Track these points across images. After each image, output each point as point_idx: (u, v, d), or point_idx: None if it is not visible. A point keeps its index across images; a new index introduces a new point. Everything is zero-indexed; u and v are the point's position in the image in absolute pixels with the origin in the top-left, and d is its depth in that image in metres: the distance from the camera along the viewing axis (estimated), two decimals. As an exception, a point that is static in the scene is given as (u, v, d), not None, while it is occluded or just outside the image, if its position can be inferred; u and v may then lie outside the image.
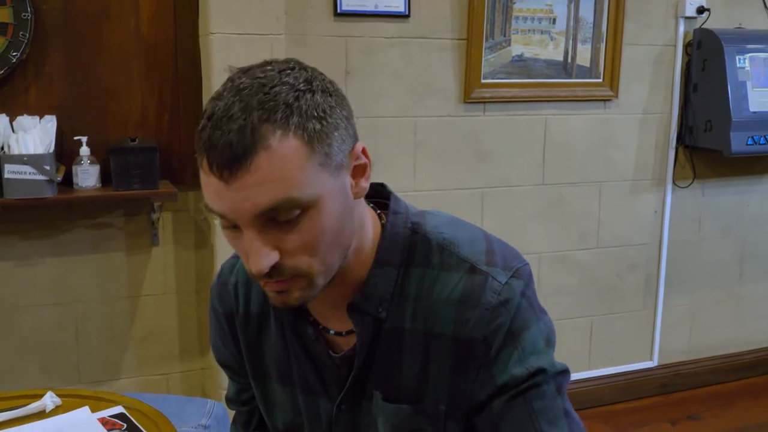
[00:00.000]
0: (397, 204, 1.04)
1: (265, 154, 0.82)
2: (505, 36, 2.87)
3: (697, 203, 3.31)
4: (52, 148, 2.32)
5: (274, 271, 0.88)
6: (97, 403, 1.37)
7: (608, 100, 3.05)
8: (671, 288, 3.33)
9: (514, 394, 0.96)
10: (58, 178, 2.30)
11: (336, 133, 0.88)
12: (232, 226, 0.88)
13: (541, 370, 0.96)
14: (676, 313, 3.38)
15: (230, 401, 1.28)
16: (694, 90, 3.12)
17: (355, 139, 0.93)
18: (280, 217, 0.85)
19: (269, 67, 0.88)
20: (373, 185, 1.02)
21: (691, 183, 3.26)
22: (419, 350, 0.99)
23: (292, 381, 1.08)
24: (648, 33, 3.06)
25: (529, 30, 2.91)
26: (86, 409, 1.35)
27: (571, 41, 2.96)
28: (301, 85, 0.87)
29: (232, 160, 0.82)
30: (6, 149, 2.28)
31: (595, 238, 3.16)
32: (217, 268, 2.52)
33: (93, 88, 2.46)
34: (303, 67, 0.90)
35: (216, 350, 1.20)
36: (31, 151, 2.26)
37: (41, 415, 1.34)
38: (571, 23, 2.94)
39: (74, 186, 2.40)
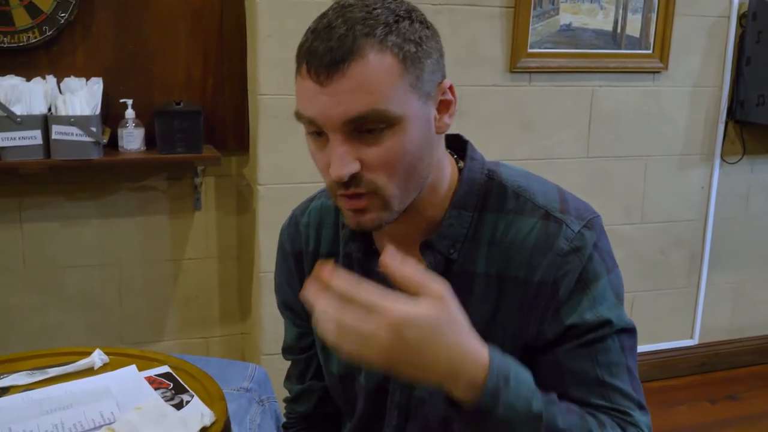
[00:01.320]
0: (474, 152, 1.08)
1: (362, 63, 0.88)
2: (553, 5, 2.81)
3: (746, 179, 3.24)
4: (98, 111, 2.33)
5: (353, 181, 0.91)
6: (143, 362, 1.37)
7: (657, 72, 2.98)
8: (716, 265, 3.26)
9: (580, 344, 0.98)
10: (104, 140, 2.31)
11: (428, 61, 0.93)
12: (318, 134, 0.93)
13: (608, 322, 0.98)
14: (719, 291, 3.32)
15: (287, 350, 1.28)
16: (747, 63, 3.03)
17: (444, 75, 0.98)
18: (366, 128, 0.90)
19: None
20: (449, 135, 1.07)
21: (740, 159, 3.18)
22: (489, 293, 1.01)
23: None
24: (701, 3, 2.97)
25: (578, -2, 2.84)
26: (133, 367, 1.35)
27: (621, 11, 2.89)
28: (402, 12, 0.93)
29: (330, 64, 0.88)
30: (53, 110, 2.30)
31: (639, 213, 3.10)
32: (260, 234, 2.54)
33: (139, 51, 2.46)
34: (405, 0, 0.96)
35: (281, 292, 1.23)
36: (78, 113, 2.27)
37: (90, 371, 1.35)
38: (623, -8, 2.87)
39: (119, 149, 2.41)
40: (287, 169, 2.46)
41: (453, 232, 1.02)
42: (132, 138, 2.41)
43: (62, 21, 2.33)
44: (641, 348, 3.21)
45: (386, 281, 1.00)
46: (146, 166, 2.52)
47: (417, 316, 0.80)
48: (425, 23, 0.95)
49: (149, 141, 2.44)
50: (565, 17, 2.84)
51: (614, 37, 2.91)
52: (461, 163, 1.06)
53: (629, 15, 2.90)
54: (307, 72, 0.90)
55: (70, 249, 2.54)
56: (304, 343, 1.24)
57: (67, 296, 2.57)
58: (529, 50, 2.82)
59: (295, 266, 1.18)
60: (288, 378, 1.32)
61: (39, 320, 2.55)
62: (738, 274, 3.33)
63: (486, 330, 0.99)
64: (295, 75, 0.94)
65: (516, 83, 2.83)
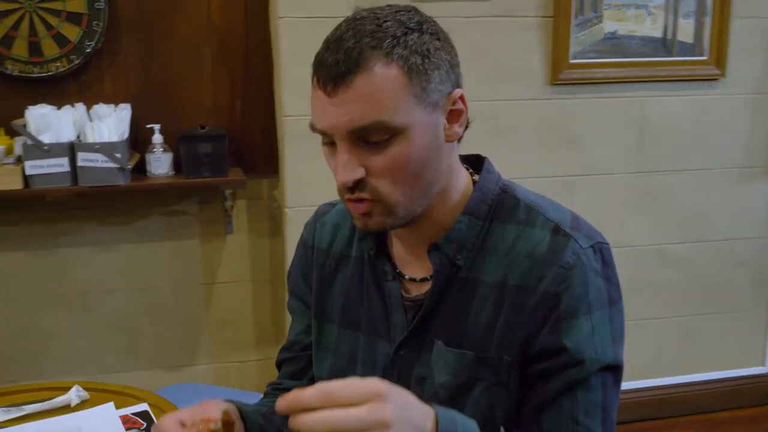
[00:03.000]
0: (491, 166, 1.09)
1: (367, 75, 0.92)
2: (596, 12, 2.67)
3: (817, 193, 2.99)
4: (126, 136, 2.35)
5: (357, 186, 0.95)
6: (123, 398, 1.35)
7: (714, 79, 2.78)
8: (786, 286, 3.02)
9: (566, 375, 0.97)
10: (129, 166, 2.32)
11: (436, 72, 0.95)
12: (330, 143, 0.97)
13: (595, 359, 0.98)
14: (791, 314, 3.07)
15: (288, 347, 1.26)
16: (814, 67, 2.80)
17: (457, 85, 1.00)
18: (370, 138, 0.93)
19: (388, 8, 0.98)
20: (470, 156, 1.10)
21: (811, 170, 2.94)
22: (491, 300, 1.01)
23: (359, 322, 1.12)
24: (759, 4, 2.76)
25: (623, 5, 2.69)
26: (111, 405, 1.33)
27: (671, 15, 2.72)
28: (412, 24, 0.96)
29: (337, 76, 0.92)
30: (82, 137, 2.33)
31: (697, 231, 2.90)
32: (289, 256, 2.50)
33: (166, 77, 2.47)
34: (419, 13, 0.99)
35: (295, 284, 1.25)
36: (106, 139, 2.29)
37: (66, 409, 1.33)
38: (671, -4, 2.70)
39: (147, 173, 2.42)
40: (314, 190, 2.40)
41: (461, 237, 1.03)
42: (159, 163, 2.41)
43: (89, 50, 2.36)
44: (704, 376, 3.02)
45: (393, 281, 1.09)
46: (176, 191, 2.52)
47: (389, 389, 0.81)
48: (437, 34, 0.98)
49: (177, 165, 2.44)
50: (609, 25, 2.69)
51: (664, 44, 2.75)
52: (476, 177, 1.08)
53: (680, 20, 2.73)
54: (318, 83, 0.95)
55: (103, 274, 2.57)
56: (308, 339, 1.23)
57: (101, 321, 2.60)
58: (571, 61, 2.68)
59: (313, 260, 1.21)
60: (281, 376, 1.28)
61: (73, 345, 2.59)
62: (812, 295, 3.08)
63: (485, 338, 1.01)
64: (311, 86, 0.98)
65: (558, 96, 2.70)
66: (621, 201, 2.82)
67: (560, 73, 2.67)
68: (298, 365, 1.25)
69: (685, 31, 2.74)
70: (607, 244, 1.04)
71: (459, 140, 1.05)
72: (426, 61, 0.94)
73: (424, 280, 1.06)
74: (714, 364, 3.03)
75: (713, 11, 2.73)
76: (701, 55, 2.77)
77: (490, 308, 1.02)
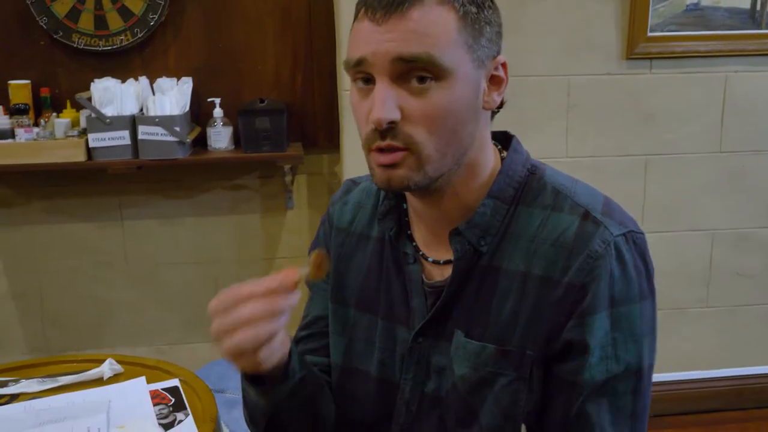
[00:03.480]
0: (519, 145, 1.03)
1: (422, 8, 0.87)
2: (677, -18, 2.51)
3: None
4: (186, 110, 2.36)
5: (390, 132, 0.88)
6: (156, 373, 1.35)
7: (807, 53, 2.59)
8: None
9: (592, 386, 0.92)
10: (188, 140, 2.32)
11: (488, 28, 0.92)
12: (365, 81, 0.91)
13: (627, 363, 0.92)
14: None
15: (309, 324, 1.18)
16: None
17: (500, 52, 0.95)
18: (413, 74, 0.88)
19: None
20: (498, 132, 1.04)
21: None
22: (514, 291, 0.95)
23: (377, 305, 1.07)
24: None
25: (708, -27, 2.52)
26: (142, 379, 1.33)
27: (761, -15, 2.53)
28: None
29: (391, 4, 0.87)
30: (144, 110, 2.35)
31: (783, 215, 2.72)
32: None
33: (228, 50, 2.46)
34: None
35: None
36: (167, 113, 2.30)
37: (99, 381, 1.34)
38: (762, -37, 2.51)
39: (208, 147, 2.43)
40: (374, 167, 2.37)
41: (485, 222, 0.97)
42: (220, 137, 2.41)
43: (153, 23, 2.37)
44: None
45: (414, 264, 1.03)
46: (237, 165, 2.52)
47: None
48: None
49: (238, 139, 2.43)
50: (692, -5, 2.53)
51: (752, 16, 2.56)
52: (504, 153, 1.01)
53: (771, -11, 2.54)
54: (365, 13, 0.89)
55: (168, 246, 2.60)
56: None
57: (165, 293, 2.63)
58: (649, 34, 2.53)
59: (332, 239, 1.15)
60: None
61: (138, 316, 2.63)
62: None
63: (507, 330, 0.95)
64: (351, 27, 0.93)
65: (634, 71, 2.56)
66: (700, 182, 2.66)
67: (637, 47, 2.53)
68: (321, 342, 1.16)
69: (777, 1, 2.55)
70: (642, 233, 0.96)
71: (494, 114, 0.99)
72: (481, 13, 0.91)
73: (448, 262, 1.00)
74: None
75: (808, -21, 2.52)
76: (793, 26, 2.57)
77: (513, 299, 0.95)
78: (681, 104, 2.59)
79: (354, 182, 1.18)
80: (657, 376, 1.02)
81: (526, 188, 0.99)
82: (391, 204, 1.05)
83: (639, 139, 2.60)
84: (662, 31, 2.54)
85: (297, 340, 1.19)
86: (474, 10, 0.91)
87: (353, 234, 1.12)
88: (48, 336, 2.63)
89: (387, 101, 0.87)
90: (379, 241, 1.09)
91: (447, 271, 1.00)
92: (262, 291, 0.87)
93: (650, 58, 2.55)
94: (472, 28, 0.90)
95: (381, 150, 0.90)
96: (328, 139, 2.53)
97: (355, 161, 2.38)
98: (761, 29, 2.57)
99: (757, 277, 2.76)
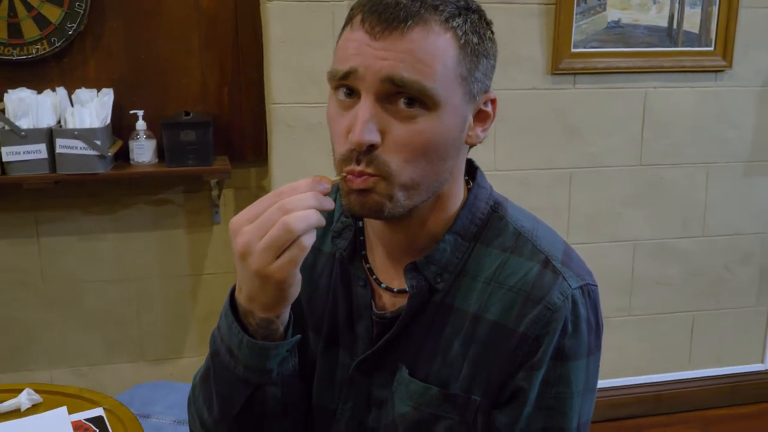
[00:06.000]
0: (483, 179, 1.01)
1: (424, 30, 0.84)
2: (599, 0, 2.58)
3: (824, 188, 2.91)
4: (107, 122, 2.27)
5: (367, 155, 0.85)
6: (78, 402, 1.29)
7: (720, 71, 2.69)
8: (790, 283, 2.95)
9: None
10: (110, 153, 2.24)
11: (484, 61, 0.89)
12: (348, 93, 0.87)
13: (565, 423, 0.92)
14: (794, 312, 3.00)
15: None
16: (824, 59, 2.71)
17: (490, 86, 0.93)
18: (400, 99, 0.84)
19: None
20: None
21: (818, 166, 2.85)
22: (464, 332, 0.93)
23: (321, 324, 1.03)
24: (769, -6, 2.67)
25: (627, -8, 2.60)
26: (64, 409, 1.27)
27: (677, 4, 2.62)
28: (473, 6, 0.90)
29: (392, 19, 0.83)
30: (62, 123, 2.25)
31: (700, 226, 2.82)
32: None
33: (152, 61, 2.39)
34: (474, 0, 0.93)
35: None
36: (87, 125, 2.21)
37: (17, 413, 1.26)
38: (678, -17, 2.60)
39: (131, 161, 2.34)
40: (303, 181, 2.33)
41: (443, 259, 0.94)
42: (143, 150, 2.33)
43: (71, 32, 2.28)
44: (705, 372, 2.96)
45: (364, 289, 0.99)
46: (158, 179, 2.44)
47: None
48: (490, 27, 0.92)
49: (162, 153, 2.36)
50: (613, 13, 2.60)
51: (670, 34, 2.65)
52: (471, 184, 0.99)
53: (687, 9, 2.63)
54: (361, 23, 0.85)
55: (88, 264, 2.50)
56: None
57: (85, 312, 2.53)
58: (573, 50, 2.59)
59: None
60: None
61: (56, 337, 2.52)
62: (816, 293, 3.01)
63: (453, 369, 0.93)
64: (341, 31, 0.90)
65: (559, 86, 2.61)
66: (622, 194, 2.74)
67: (561, 63, 2.58)
68: None
69: (692, 21, 2.65)
70: (596, 285, 0.96)
71: (470, 148, 0.96)
72: (481, 44, 0.88)
73: (401, 291, 0.97)
74: (714, 361, 2.96)
75: (721, 0, 2.63)
76: (707, 45, 2.68)
77: (462, 340, 0.93)
78: (603, 118, 2.66)
79: None
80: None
81: (487, 226, 0.97)
82: (347, 222, 1.02)
83: (564, 152, 2.66)
84: (585, 47, 2.60)
85: None
86: (475, 40, 0.88)
87: None
88: (-42, 361, 2.49)
89: (369, 123, 0.84)
90: (330, 257, 1.04)
91: (399, 301, 0.98)
92: (306, 184, 0.83)
93: (574, 74, 2.61)
94: (470, 60, 0.87)
95: (354, 174, 0.87)
96: (256, 153, 2.49)
97: (283, 175, 2.35)
98: (677, 47, 2.67)
99: (676, 285, 2.85)
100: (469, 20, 0.87)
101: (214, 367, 0.95)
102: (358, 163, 0.85)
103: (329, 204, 0.83)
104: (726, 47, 2.67)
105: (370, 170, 0.85)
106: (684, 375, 2.95)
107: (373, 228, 0.99)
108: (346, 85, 0.87)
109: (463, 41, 0.86)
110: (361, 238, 1.02)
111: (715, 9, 2.64)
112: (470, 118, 0.91)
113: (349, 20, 0.89)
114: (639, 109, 2.69)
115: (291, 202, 0.81)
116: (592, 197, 2.71)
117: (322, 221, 0.82)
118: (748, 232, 2.87)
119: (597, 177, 2.70)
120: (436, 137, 0.86)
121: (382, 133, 0.85)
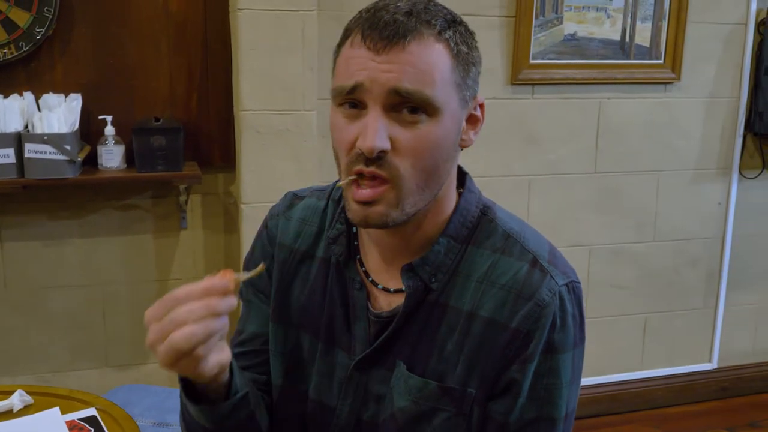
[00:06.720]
0: (472, 184, 1.06)
1: (422, 44, 0.90)
2: (556, 13, 2.68)
3: (766, 195, 3.06)
4: (76, 128, 2.27)
5: (377, 160, 0.90)
6: (70, 403, 1.30)
7: (669, 83, 2.83)
8: (735, 285, 3.09)
9: (520, 427, 0.97)
10: (79, 158, 2.24)
11: (473, 68, 0.96)
12: (353, 105, 0.92)
13: (554, 411, 0.98)
14: (739, 313, 3.14)
15: (246, 341, 1.14)
16: (765, 73, 2.86)
17: (478, 91, 0.99)
18: (405, 108, 0.90)
19: None
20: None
21: (760, 173, 3.00)
22: (459, 329, 0.98)
23: (318, 327, 1.07)
24: (716, 10, 2.81)
25: (583, 7, 2.71)
26: (56, 410, 1.27)
27: (629, 19, 2.75)
28: (458, 18, 0.97)
29: (393, 35, 0.89)
30: (30, 128, 2.24)
31: (652, 231, 2.95)
32: (244, 253, 2.44)
33: (120, 67, 2.39)
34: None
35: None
36: (55, 130, 2.21)
37: (9, 414, 1.27)
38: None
39: (99, 167, 2.34)
40: (271, 187, 2.36)
41: (438, 261, 0.99)
42: (111, 156, 2.34)
43: (39, 36, 2.27)
44: (656, 372, 3.07)
45: (360, 291, 1.03)
46: (126, 185, 2.44)
47: None
48: (474, 38, 0.99)
49: (131, 158, 2.37)
50: (569, 26, 2.71)
51: (622, 47, 2.77)
52: (462, 189, 1.05)
53: (638, 23, 2.76)
54: (362, 40, 0.91)
55: (53, 269, 2.48)
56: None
57: (50, 317, 2.51)
58: (532, 61, 2.69)
59: (274, 255, 1.12)
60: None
61: (19, 343, 2.49)
62: (759, 295, 3.15)
63: (449, 367, 0.98)
64: (337, 49, 0.96)
65: (518, 96, 2.71)
66: (579, 200, 2.84)
67: (520, 73, 2.68)
68: (256, 359, 1.13)
69: (643, 35, 2.78)
70: (579, 282, 1.02)
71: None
72: (470, 53, 0.95)
73: (397, 291, 1.02)
74: (665, 361, 3.08)
75: (670, 16, 2.76)
76: (658, 58, 2.81)
77: (457, 336, 0.98)
78: (560, 127, 2.76)
79: (297, 196, 1.15)
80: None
81: (478, 229, 1.02)
82: (342, 229, 1.06)
83: (523, 160, 2.75)
84: (543, 58, 2.70)
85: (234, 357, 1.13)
86: (465, 50, 0.94)
87: (297, 251, 1.10)
88: None
89: (380, 130, 0.89)
90: (324, 262, 1.08)
91: (395, 300, 1.02)
92: (200, 291, 0.85)
93: (532, 84, 2.71)
94: (462, 68, 0.94)
95: (361, 174, 0.92)
96: (224, 159, 2.51)
97: (252, 181, 2.37)
98: (630, 59, 2.79)
99: (630, 288, 2.97)
100: (458, 32, 0.94)
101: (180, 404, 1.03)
102: (368, 165, 0.91)
103: (226, 306, 0.86)
104: (675, 60, 2.80)
105: (381, 171, 0.91)
106: (637, 375, 3.07)
107: (368, 232, 1.03)
108: (352, 99, 0.92)
109: (455, 51, 0.93)
110: (355, 243, 1.06)
111: (665, 24, 2.77)
112: (464, 123, 0.98)
113: (347, 39, 0.94)
114: (594, 118, 2.80)
115: (180, 315, 0.84)
116: (550, 203, 2.81)
117: (216, 329, 0.85)
118: (697, 236, 3.00)
119: (555, 184, 2.80)
120: (438, 140, 0.92)
121: (391, 140, 0.91)
